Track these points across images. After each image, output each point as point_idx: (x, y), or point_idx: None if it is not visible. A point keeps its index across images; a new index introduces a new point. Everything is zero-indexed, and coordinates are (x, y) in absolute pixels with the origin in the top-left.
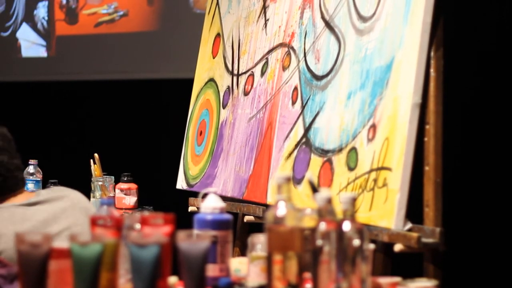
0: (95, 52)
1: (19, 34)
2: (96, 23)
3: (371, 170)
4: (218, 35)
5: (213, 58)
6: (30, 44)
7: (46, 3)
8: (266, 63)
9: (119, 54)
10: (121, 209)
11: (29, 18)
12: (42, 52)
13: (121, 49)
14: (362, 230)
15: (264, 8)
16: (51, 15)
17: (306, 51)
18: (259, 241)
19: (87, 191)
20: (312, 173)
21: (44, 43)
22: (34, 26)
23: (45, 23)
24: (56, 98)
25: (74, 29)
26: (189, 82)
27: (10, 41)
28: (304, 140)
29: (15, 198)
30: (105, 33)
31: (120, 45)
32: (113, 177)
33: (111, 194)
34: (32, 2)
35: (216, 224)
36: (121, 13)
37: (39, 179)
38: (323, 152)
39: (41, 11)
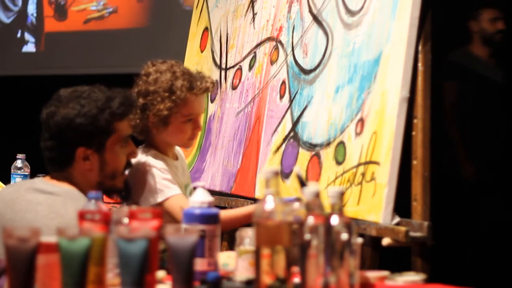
0: (84, 48)
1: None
2: (86, 19)
3: (359, 164)
4: (206, 29)
5: (201, 52)
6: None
7: None
8: (254, 57)
9: (109, 50)
10: (109, 203)
11: None
12: (31, 48)
13: (111, 46)
14: (350, 224)
15: (252, 2)
16: (39, 11)
17: (294, 45)
18: (247, 235)
19: None
20: (300, 167)
21: (33, 39)
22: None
23: (34, 20)
24: (44, 92)
25: (63, 26)
26: None
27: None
28: (292, 134)
29: None
30: (95, 29)
31: (109, 42)
32: None
33: None
34: None
35: (204, 218)
36: (110, 9)
37: (27, 173)
38: (311, 146)
39: (30, 7)
